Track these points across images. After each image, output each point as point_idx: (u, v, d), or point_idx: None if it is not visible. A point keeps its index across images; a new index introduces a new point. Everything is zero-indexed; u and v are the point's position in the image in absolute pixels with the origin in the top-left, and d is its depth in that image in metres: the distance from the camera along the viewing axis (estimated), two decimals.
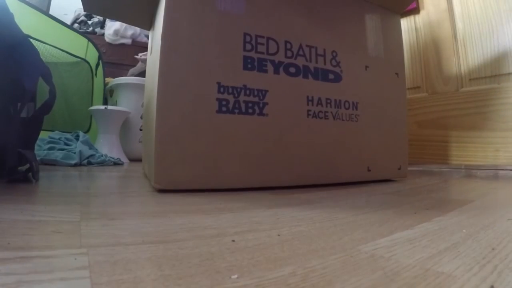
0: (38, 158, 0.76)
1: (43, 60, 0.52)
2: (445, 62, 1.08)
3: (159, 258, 0.18)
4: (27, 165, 0.48)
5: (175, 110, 0.44)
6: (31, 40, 0.50)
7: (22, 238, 0.21)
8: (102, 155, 0.97)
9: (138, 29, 1.79)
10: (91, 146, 1.00)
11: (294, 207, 0.36)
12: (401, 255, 0.20)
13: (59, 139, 0.97)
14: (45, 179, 0.54)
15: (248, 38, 0.50)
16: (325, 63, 0.58)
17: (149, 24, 0.73)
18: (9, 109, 0.46)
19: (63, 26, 1.24)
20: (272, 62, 0.52)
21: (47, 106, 0.53)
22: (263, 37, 0.52)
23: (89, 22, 1.79)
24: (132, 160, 1.19)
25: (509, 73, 0.93)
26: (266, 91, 0.51)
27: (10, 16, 0.46)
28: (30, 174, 0.48)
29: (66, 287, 0.14)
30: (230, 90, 0.48)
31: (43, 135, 0.84)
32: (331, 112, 0.58)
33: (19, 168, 0.49)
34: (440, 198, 0.44)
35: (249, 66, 0.50)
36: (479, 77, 1.00)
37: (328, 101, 0.57)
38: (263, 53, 0.51)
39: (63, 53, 1.23)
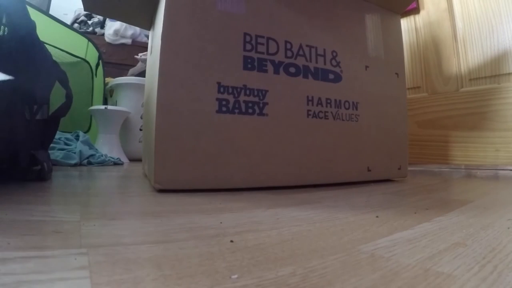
0: None
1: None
2: (445, 62, 1.08)
3: (159, 258, 0.18)
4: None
5: (175, 110, 0.44)
6: None
7: (22, 238, 0.21)
8: (102, 155, 0.97)
9: (138, 29, 1.79)
10: (91, 146, 1.00)
11: (294, 207, 0.36)
12: (401, 255, 0.20)
13: (59, 139, 0.97)
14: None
15: (248, 38, 0.50)
16: (325, 63, 0.58)
17: (149, 24, 0.73)
18: (24, 112, 0.47)
19: (63, 26, 1.24)
20: (272, 62, 0.52)
21: (64, 109, 0.56)
22: (263, 37, 0.52)
23: (89, 22, 1.79)
24: (132, 160, 1.19)
25: (509, 73, 0.93)
26: (266, 91, 0.51)
27: (32, 24, 0.48)
28: (42, 173, 0.49)
29: (66, 287, 0.14)
30: (230, 90, 0.48)
31: None
32: (331, 112, 0.58)
33: (34, 168, 0.50)
34: (440, 198, 0.44)
35: (249, 66, 0.50)
36: (479, 77, 1.00)
37: (328, 101, 0.57)
38: (263, 53, 0.51)
39: (63, 53, 1.23)
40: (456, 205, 0.38)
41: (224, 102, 0.47)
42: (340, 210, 0.34)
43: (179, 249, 0.20)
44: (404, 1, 0.69)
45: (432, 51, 1.12)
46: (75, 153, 0.90)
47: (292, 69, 0.54)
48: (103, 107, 1.10)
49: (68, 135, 1.02)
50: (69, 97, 0.56)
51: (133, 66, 1.53)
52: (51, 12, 1.57)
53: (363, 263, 0.18)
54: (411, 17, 1.18)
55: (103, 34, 1.76)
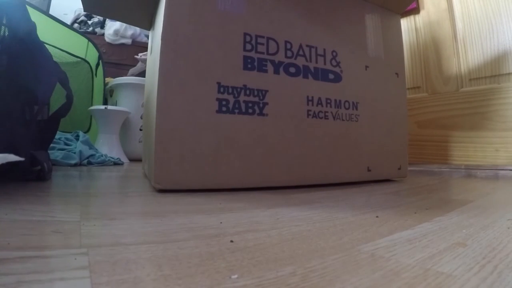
0: None
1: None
2: (445, 62, 1.08)
3: (159, 258, 0.18)
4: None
5: (175, 110, 0.44)
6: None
7: (22, 238, 0.21)
8: (102, 155, 0.97)
9: (138, 29, 1.79)
10: (91, 146, 1.00)
11: (294, 207, 0.36)
12: (401, 255, 0.20)
13: (59, 139, 0.97)
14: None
15: (248, 38, 0.50)
16: (325, 63, 0.58)
17: (149, 24, 0.73)
18: (25, 112, 0.47)
19: (63, 26, 1.24)
20: (272, 62, 0.52)
21: (64, 109, 0.57)
22: (263, 37, 0.52)
23: (89, 22, 1.79)
24: (132, 160, 1.19)
25: (509, 73, 0.93)
26: (266, 91, 0.51)
27: (32, 25, 0.48)
28: (42, 173, 0.49)
29: (66, 287, 0.14)
30: (230, 90, 0.48)
31: None
32: (331, 112, 0.58)
33: (34, 168, 0.50)
34: (440, 198, 0.44)
35: (249, 66, 0.50)
36: (479, 77, 1.00)
37: (328, 101, 0.57)
38: (263, 53, 0.51)
39: (63, 53, 1.23)
40: (456, 205, 0.38)
41: (224, 102, 0.47)
42: (340, 210, 0.34)
43: (179, 249, 0.20)
44: (404, 1, 0.69)
45: (432, 51, 1.12)
46: (75, 153, 0.90)
47: (292, 69, 0.54)
48: (103, 107, 1.10)
49: (68, 135, 1.02)
50: (69, 97, 0.56)
51: (133, 66, 1.53)
52: (51, 12, 1.57)
53: (363, 263, 0.18)
54: (411, 17, 1.18)
55: (103, 34, 1.76)
